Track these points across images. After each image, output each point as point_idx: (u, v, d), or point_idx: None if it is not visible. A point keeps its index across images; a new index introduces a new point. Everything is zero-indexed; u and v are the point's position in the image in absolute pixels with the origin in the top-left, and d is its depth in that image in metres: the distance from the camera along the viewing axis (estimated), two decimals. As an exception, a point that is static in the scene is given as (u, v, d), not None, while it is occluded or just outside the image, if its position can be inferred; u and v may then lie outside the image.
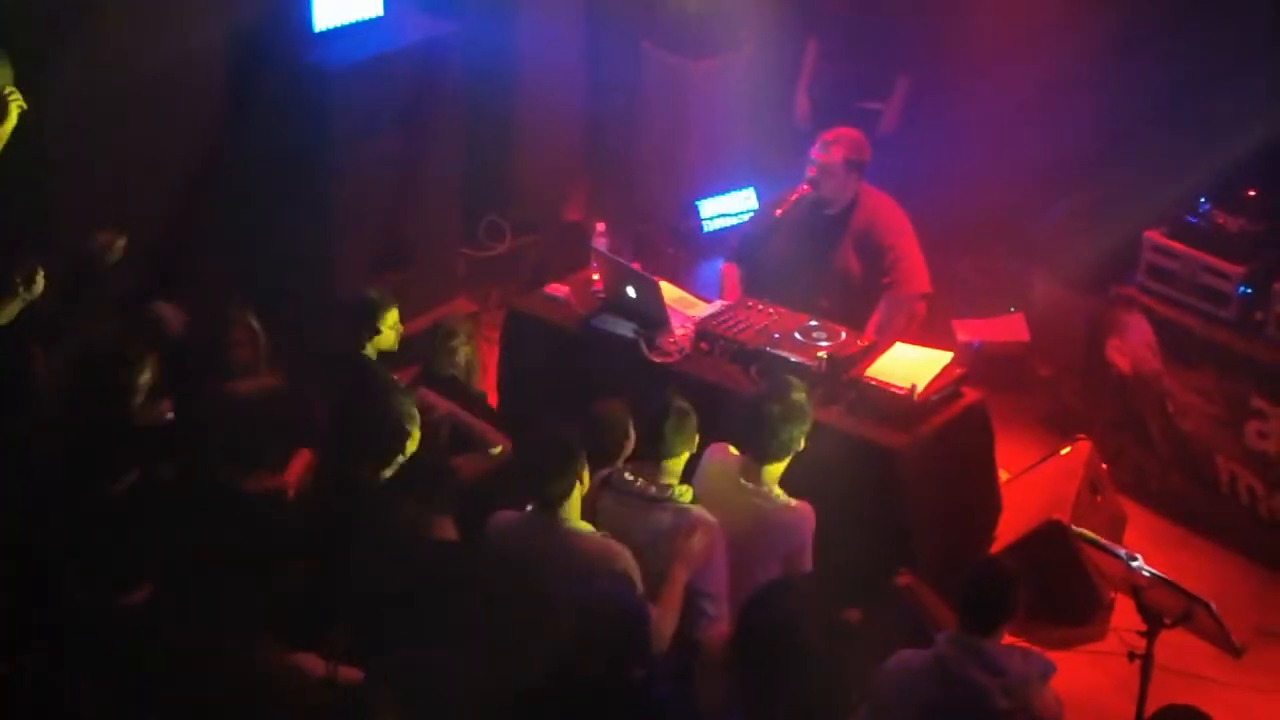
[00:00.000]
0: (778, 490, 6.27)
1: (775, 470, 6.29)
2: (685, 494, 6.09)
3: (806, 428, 6.28)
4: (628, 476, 6.09)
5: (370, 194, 8.54)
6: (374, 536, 5.80)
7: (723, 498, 6.22)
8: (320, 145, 8.33)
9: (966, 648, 5.43)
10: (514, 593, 5.69)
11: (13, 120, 6.74)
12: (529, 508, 5.92)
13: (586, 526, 5.89)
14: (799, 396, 6.30)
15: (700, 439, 6.28)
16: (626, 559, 5.79)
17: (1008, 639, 5.58)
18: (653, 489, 6.06)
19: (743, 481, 6.25)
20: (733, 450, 6.37)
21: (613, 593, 5.29)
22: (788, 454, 6.27)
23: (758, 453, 6.26)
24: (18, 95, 6.77)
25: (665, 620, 5.70)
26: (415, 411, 6.27)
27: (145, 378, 6.42)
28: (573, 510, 5.87)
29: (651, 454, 6.13)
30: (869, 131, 8.00)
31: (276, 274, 8.28)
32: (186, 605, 5.40)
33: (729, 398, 6.75)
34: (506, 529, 5.98)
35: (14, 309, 6.60)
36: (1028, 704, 5.40)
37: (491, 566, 5.84)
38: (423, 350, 7.31)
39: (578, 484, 5.85)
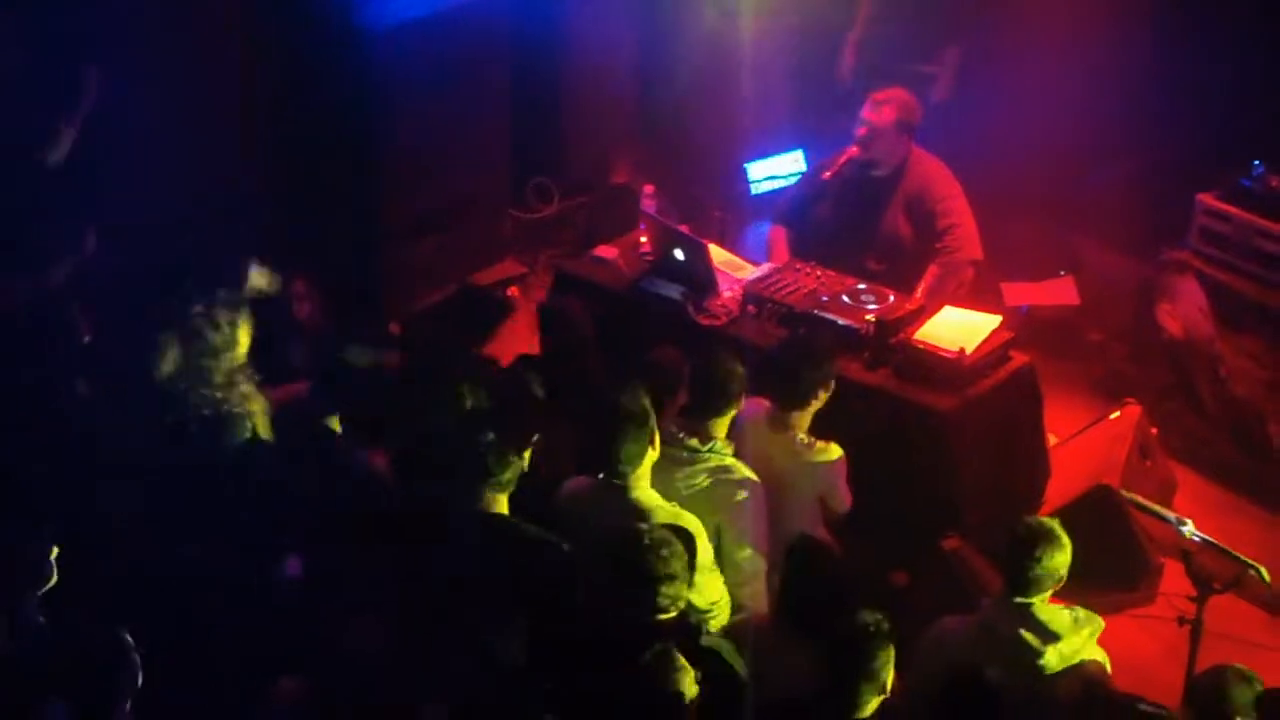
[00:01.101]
0: (803, 435, 6.32)
1: (801, 418, 6.34)
2: (728, 450, 6.12)
3: (824, 374, 6.33)
4: (673, 429, 6.10)
5: (419, 156, 8.54)
6: None
7: (755, 446, 6.28)
8: (370, 107, 8.35)
9: (1014, 610, 5.43)
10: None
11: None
12: (599, 476, 5.88)
13: (656, 498, 5.83)
14: (817, 344, 6.42)
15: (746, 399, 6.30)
16: (696, 528, 5.77)
17: (1054, 603, 5.57)
18: (698, 443, 6.08)
19: (771, 430, 6.31)
20: (764, 403, 6.41)
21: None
22: (809, 400, 6.31)
23: (782, 400, 6.32)
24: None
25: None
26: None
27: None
28: (642, 479, 5.82)
29: (699, 411, 6.14)
30: (920, 95, 7.95)
31: (325, 235, 8.30)
32: None
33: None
34: (577, 497, 5.94)
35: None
36: (1078, 665, 5.39)
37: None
38: None
39: (649, 450, 5.82)
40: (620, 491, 5.76)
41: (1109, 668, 5.57)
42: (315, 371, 6.41)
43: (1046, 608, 5.48)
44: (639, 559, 5.18)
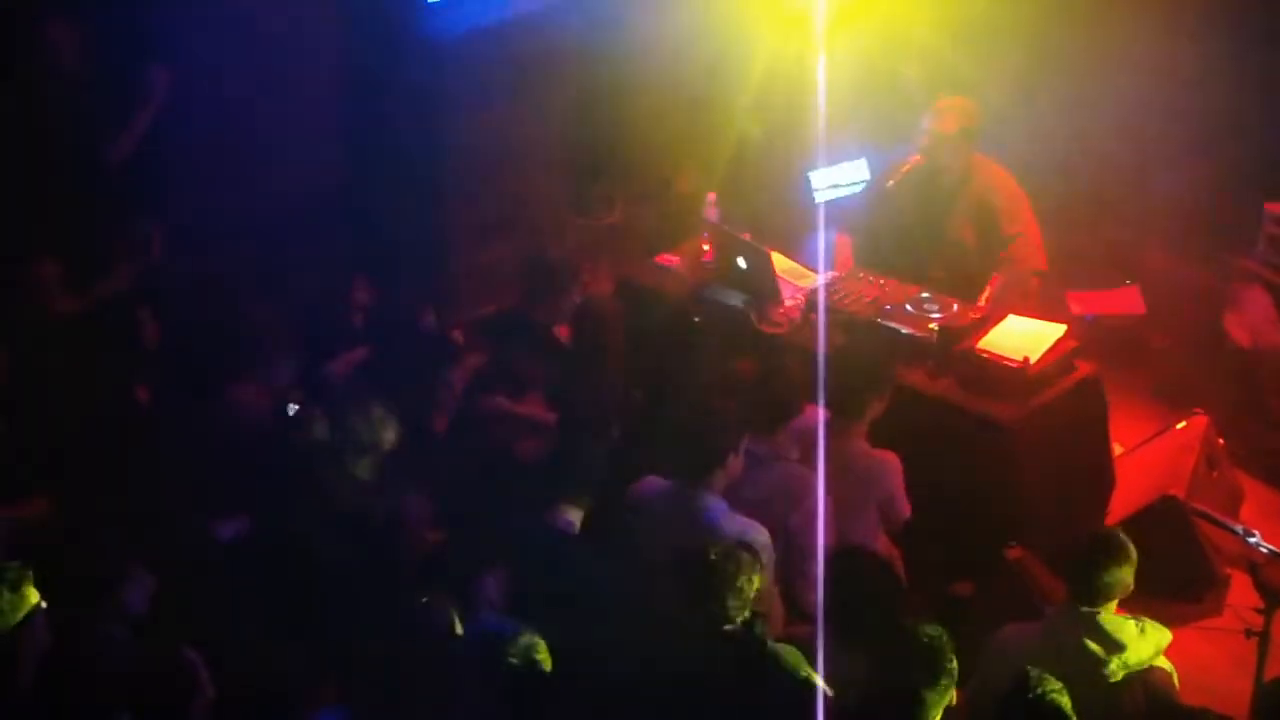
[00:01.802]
0: (861, 442, 6.35)
1: (858, 426, 6.37)
2: (791, 454, 6.16)
3: (879, 386, 6.38)
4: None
5: (482, 164, 8.59)
6: None
7: (814, 454, 6.27)
8: (433, 116, 8.40)
9: (1079, 619, 5.40)
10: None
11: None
12: (674, 480, 5.92)
13: (725, 508, 5.86)
14: (869, 354, 6.52)
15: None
16: (764, 540, 5.79)
17: (1120, 613, 5.54)
18: (765, 449, 6.13)
19: (829, 438, 6.29)
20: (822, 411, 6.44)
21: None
22: (863, 410, 6.34)
23: (838, 409, 6.33)
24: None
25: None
26: None
27: None
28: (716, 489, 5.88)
29: (766, 421, 6.18)
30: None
31: (390, 244, 8.35)
32: None
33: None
34: (652, 499, 5.97)
35: None
36: (1143, 675, 5.36)
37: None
38: None
39: (732, 456, 5.86)
40: (692, 500, 5.77)
41: (1176, 679, 5.52)
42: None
43: (1112, 618, 5.45)
44: (708, 574, 5.22)
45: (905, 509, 6.37)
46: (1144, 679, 5.39)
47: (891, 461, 6.33)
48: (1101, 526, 6.98)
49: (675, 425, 6.00)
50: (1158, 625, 5.56)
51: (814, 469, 6.13)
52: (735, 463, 5.93)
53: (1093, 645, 5.37)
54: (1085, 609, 5.42)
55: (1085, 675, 5.34)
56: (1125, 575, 5.43)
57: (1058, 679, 5.05)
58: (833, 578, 5.52)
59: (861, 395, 6.35)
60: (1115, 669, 5.37)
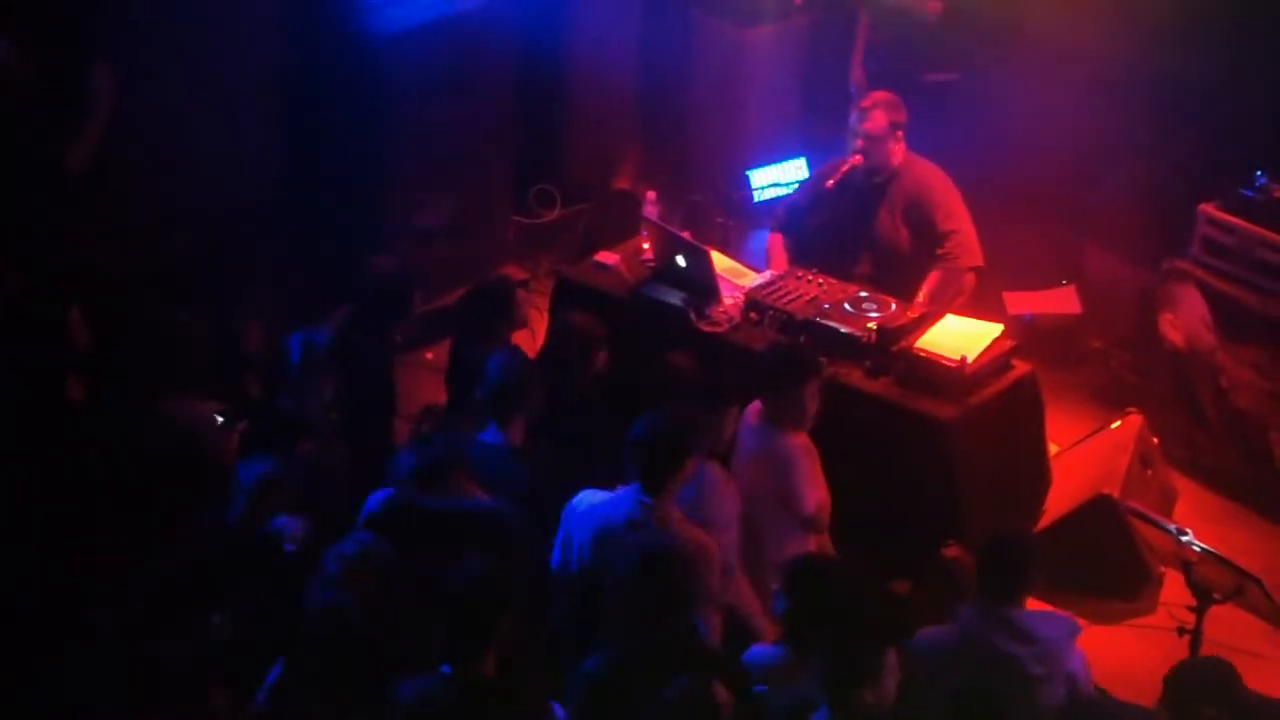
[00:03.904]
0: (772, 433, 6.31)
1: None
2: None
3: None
4: None
5: (421, 162, 8.55)
6: None
7: (743, 447, 6.33)
8: (374, 113, 8.36)
9: (992, 617, 5.43)
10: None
11: None
12: (621, 489, 5.80)
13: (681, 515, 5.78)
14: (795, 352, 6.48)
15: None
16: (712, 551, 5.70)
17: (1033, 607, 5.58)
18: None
19: (759, 428, 6.33)
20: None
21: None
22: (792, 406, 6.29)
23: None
24: None
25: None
26: None
27: None
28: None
29: None
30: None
31: (328, 241, 8.31)
32: None
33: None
34: (598, 508, 5.82)
35: None
36: (1060, 667, 5.39)
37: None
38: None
39: (686, 467, 5.76)
40: (651, 509, 5.70)
41: (1089, 669, 5.54)
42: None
43: (1024, 613, 5.47)
44: (680, 578, 5.21)
45: (803, 504, 6.22)
46: (1061, 670, 5.41)
47: (798, 442, 6.23)
48: (1036, 526, 7.06)
49: (641, 434, 5.76)
50: (1070, 618, 5.59)
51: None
52: (691, 465, 5.83)
53: (1009, 643, 5.39)
54: (997, 606, 5.45)
55: (1004, 674, 5.36)
56: (1034, 572, 5.48)
57: (976, 679, 5.10)
58: (791, 595, 5.44)
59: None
60: (1033, 664, 5.38)
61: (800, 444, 6.26)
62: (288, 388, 6.47)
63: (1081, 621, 5.58)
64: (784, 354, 6.48)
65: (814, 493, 6.24)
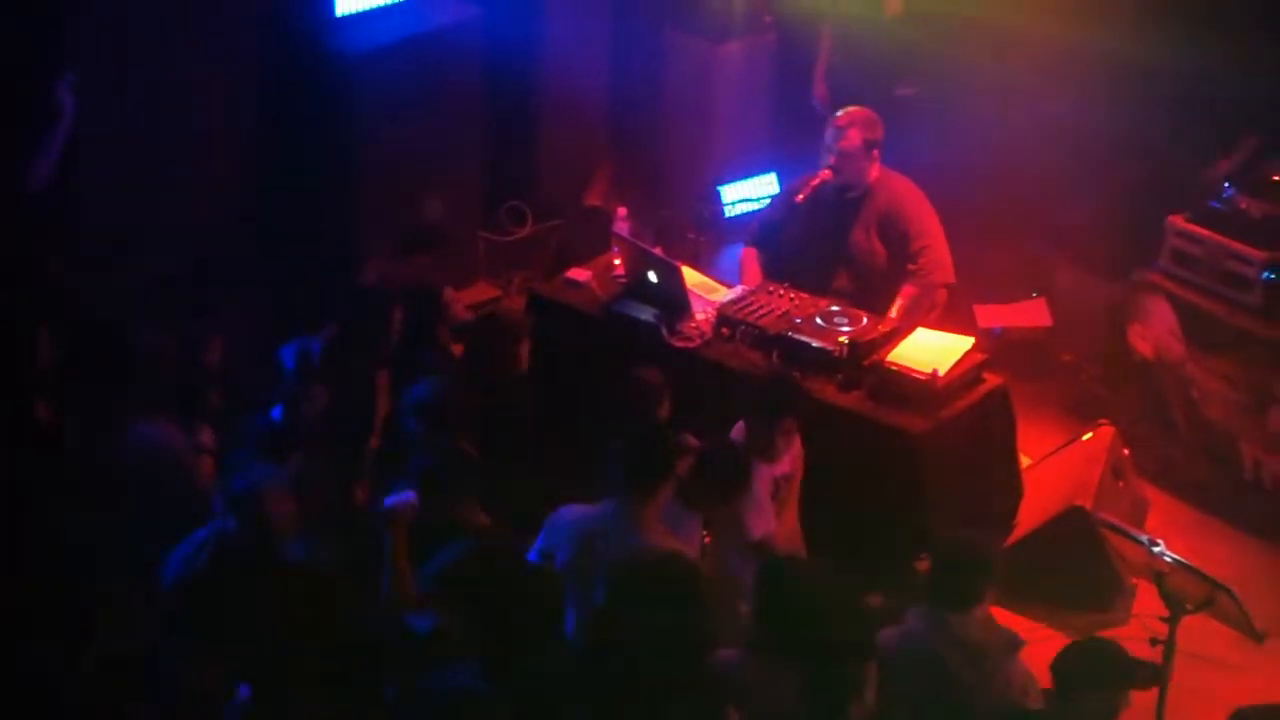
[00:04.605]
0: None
1: None
2: None
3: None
4: None
5: (393, 179, 8.54)
6: None
7: None
8: (343, 130, 8.34)
9: (933, 622, 5.46)
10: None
11: None
12: (606, 502, 5.86)
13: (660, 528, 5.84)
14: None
15: (724, 423, 6.39)
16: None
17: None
18: None
19: None
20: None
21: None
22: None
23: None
24: None
25: None
26: None
27: None
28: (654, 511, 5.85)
29: None
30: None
31: (300, 259, 8.29)
32: None
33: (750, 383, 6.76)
34: (580, 522, 5.88)
35: None
36: (993, 677, 5.41)
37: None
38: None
39: (671, 480, 5.85)
40: (634, 520, 5.74)
41: (1033, 681, 5.56)
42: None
43: (970, 621, 5.49)
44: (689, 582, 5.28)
45: (750, 529, 6.25)
46: (994, 679, 5.43)
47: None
48: (1009, 539, 7.08)
49: (622, 442, 5.88)
50: (1013, 631, 5.61)
51: None
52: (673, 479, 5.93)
53: (944, 648, 5.41)
54: (940, 611, 5.48)
55: (937, 678, 5.40)
56: (986, 580, 5.51)
57: (919, 682, 5.13)
58: (760, 596, 5.49)
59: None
60: (965, 670, 5.40)
61: (759, 473, 6.30)
62: (282, 398, 6.49)
63: (1050, 634, 5.61)
64: (763, 390, 6.50)
65: (760, 522, 6.28)
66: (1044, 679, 5.40)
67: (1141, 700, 6.03)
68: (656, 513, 5.81)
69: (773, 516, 6.35)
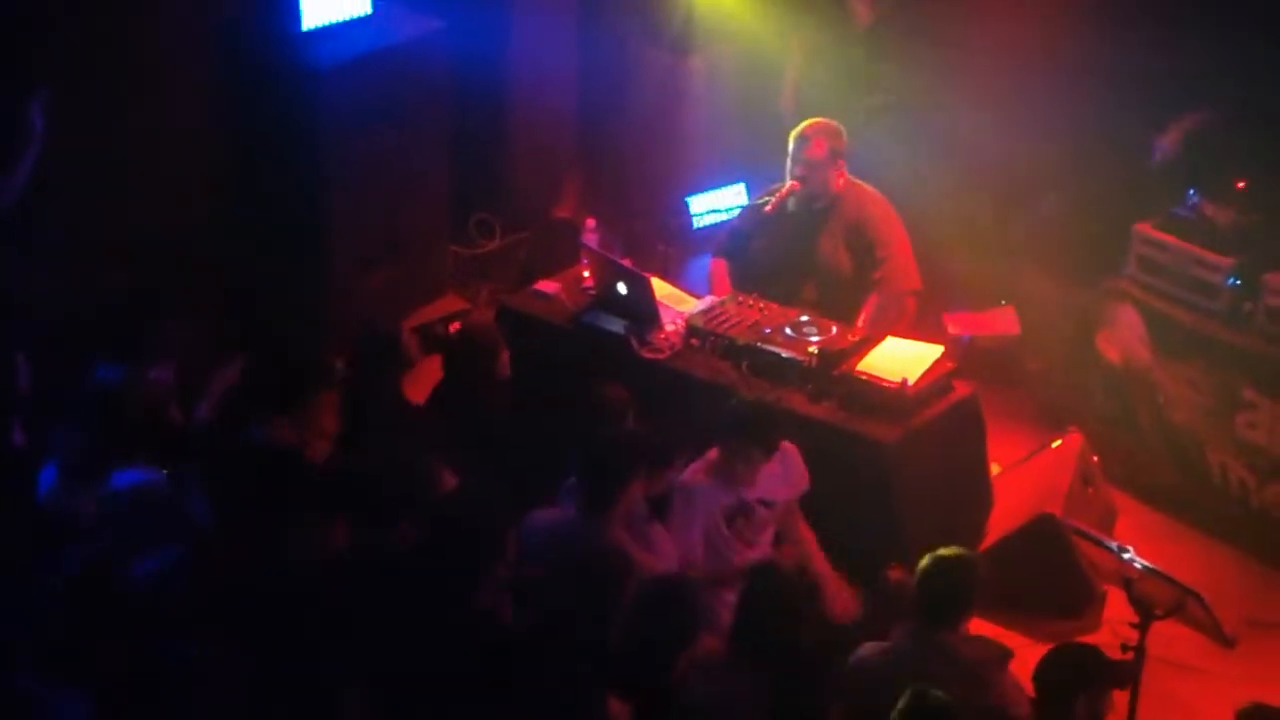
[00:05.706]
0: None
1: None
2: None
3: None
4: None
5: (360, 192, 8.53)
6: None
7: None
8: (309, 144, 8.33)
9: (923, 640, 5.46)
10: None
11: None
12: (567, 508, 5.94)
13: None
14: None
15: (691, 433, 6.43)
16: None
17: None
18: None
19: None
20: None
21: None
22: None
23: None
24: None
25: None
26: None
27: None
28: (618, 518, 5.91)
29: None
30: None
31: (267, 275, 8.27)
32: None
33: (720, 394, 6.76)
34: (548, 531, 5.93)
35: None
36: (986, 692, 5.42)
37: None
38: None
39: (633, 489, 5.91)
40: (594, 527, 5.77)
41: (1022, 694, 5.57)
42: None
43: (957, 638, 5.50)
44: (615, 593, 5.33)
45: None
46: (987, 694, 5.43)
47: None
48: (979, 547, 7.09)
49: (582, 451, 5.99)
50: (1001, 645, 5.62)
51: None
52: (638, 488, 5.96)
53: (936, 666, 5.40)
54: (928, 629, 5.48)
55: (929, 696, 5.37)
56: (973, 596, 5.51)
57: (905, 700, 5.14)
58: (748, 597, 5.55)
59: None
60: (957, 687, 5.40)
61: (689, 485, 6.36)
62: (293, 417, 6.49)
63: (1023, 640, 5.62)
64: (735, 423, 6.44)
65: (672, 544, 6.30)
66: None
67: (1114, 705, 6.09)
68: (619, 519, 5.87)
69: (695, 537, 6.33)
